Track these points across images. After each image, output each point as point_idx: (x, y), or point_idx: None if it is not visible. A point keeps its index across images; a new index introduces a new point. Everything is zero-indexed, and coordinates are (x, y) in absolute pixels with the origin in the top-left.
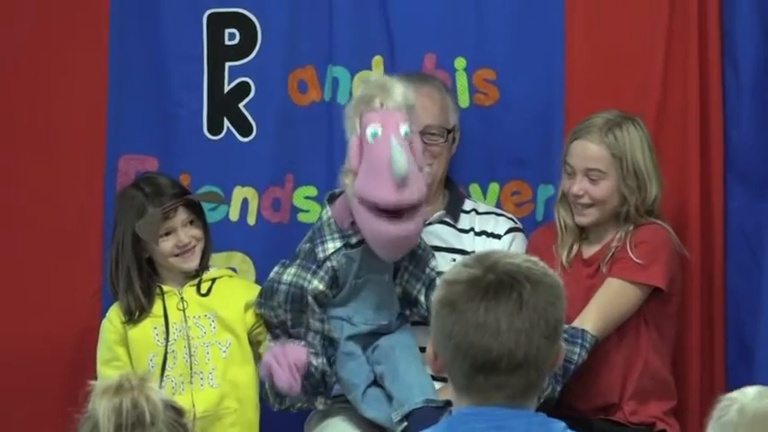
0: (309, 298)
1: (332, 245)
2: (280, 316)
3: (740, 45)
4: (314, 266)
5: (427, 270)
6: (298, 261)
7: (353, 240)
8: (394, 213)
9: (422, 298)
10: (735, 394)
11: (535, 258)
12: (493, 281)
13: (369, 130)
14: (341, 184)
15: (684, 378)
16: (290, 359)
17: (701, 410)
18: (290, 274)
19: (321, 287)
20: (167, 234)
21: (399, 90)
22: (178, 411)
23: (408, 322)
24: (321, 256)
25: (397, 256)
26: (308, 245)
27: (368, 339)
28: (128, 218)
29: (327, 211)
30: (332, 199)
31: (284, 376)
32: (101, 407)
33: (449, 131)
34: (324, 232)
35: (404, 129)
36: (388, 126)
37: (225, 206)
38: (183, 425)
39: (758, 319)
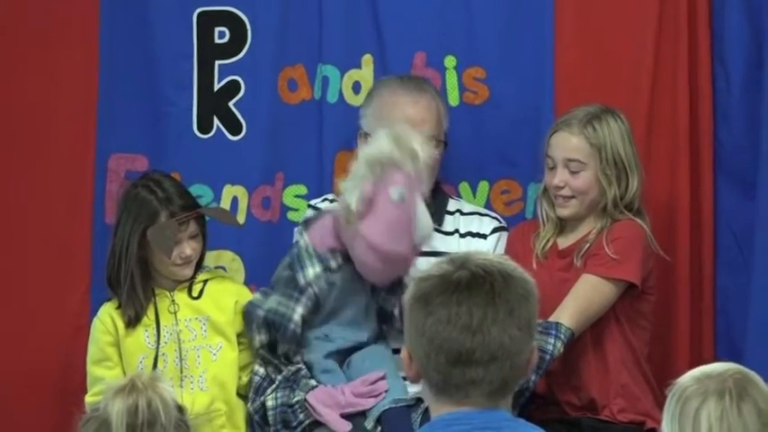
0: (293, 326)
1: (312, 271)
2: (255, 341)
3: (730, 46)
4: (296, 293)
5: (403, 286)
6: (279, 290)
7: (333, 265)
8: None
9: (396, 312)
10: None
11: (506, 257)
12: (465, 275)
13: (395, 190)
14: (341, 217)
15: (673, 377)
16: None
17: None
18: (272, 302)
19: (305, 315)
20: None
21: (424, 155)
22: (181, 410)
23: (384, 339)
24: (302, 282)
25: (387, 281)
26: (286, 272)
27: (344, 356)
28: (138, 220)
29: (305, 238)
30: (306, 224)
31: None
32: (114, 407)
33: (445, 144)
34: (303, 258)
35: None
36: (413, 189)
37: (216, 204)
38: (186, 423)
39: (747, 318)
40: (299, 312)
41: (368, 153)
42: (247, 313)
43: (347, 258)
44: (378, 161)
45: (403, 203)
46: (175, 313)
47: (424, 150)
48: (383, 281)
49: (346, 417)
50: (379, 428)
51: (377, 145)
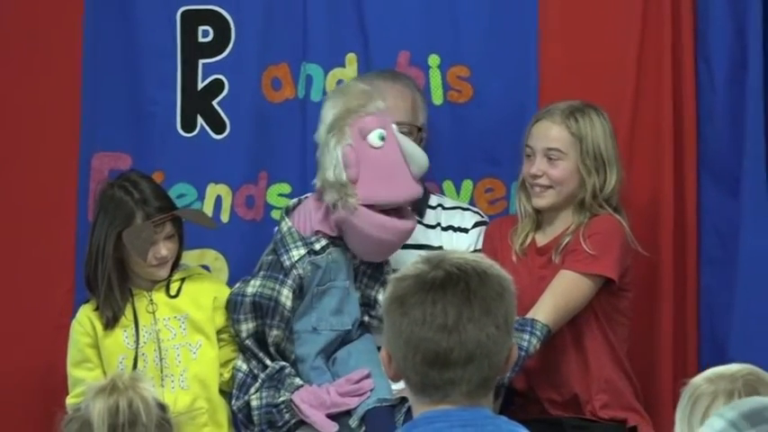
0: (282, 307)
1: (296, 252)
2: (242, 332)
3: (714, 44)
4: (281, 276)
5: (384, 272)
6: (261, 273)
7: (317, 247)
8: (398, 211)
9: (380, 297)
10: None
11: (482, 255)
12: (440, 274)
13: (374, 135)
14: (326, 197)
15: (658, 374)
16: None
17: (675, 405)
18: (254, 286)
19: (291, 296)
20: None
21: (378, 93)
22: (164, 408)
23: (369, 331)
24: (287, 264)
25: (388, 255)
26: (270, 257)
27: (331, 351)
28: (114, 222)
29: (287, 222)
30: (288, 211)
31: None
32: (95, 407)
33: (419, 129)
34: (287, 241)
35: (396, 128)
36: (388, 125)
37: (200, 203)
38: (169, 421)
39: (731, 315)
40: (285, 294)
41: (325, 123)
42: (231, 303)
43: (331, 242)
44: (339, 119)
45: (386, 143)
46: (154, 313)
47: (368, 86)
48: (385, 252)
49: (332, 416)
50: (364, 428)
51: (327, 111)
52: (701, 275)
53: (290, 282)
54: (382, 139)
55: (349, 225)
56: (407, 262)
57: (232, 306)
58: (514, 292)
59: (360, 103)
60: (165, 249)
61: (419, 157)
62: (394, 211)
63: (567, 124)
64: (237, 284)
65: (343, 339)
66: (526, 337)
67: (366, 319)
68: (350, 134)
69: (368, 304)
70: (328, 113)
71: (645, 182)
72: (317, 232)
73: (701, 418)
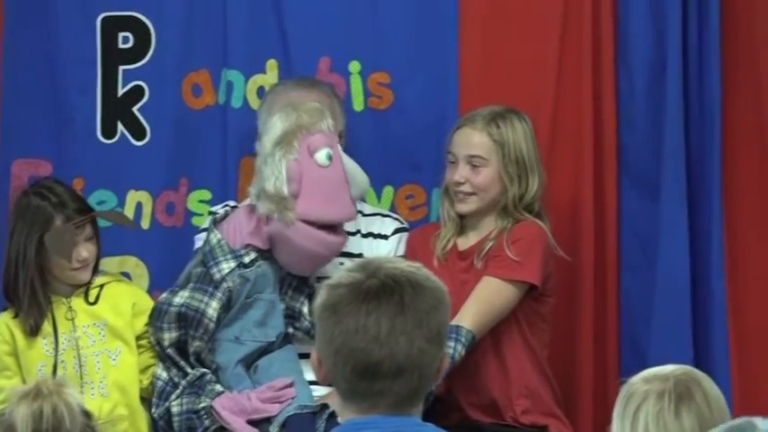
0: (207, 320)
1: (226, 265)
2: (163, 340)
3: (634, 47)
4: (210, 288)
5: (309, 284)
6: (190, 285)
7: (246, 260)
8: (331, 227)
9: (305, 309)
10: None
11: (418, 264)
12: (374, 284)
13: (322, 153)
14: (261, 208)
15: (578, 378)
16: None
17: (595, 409)
18: (182, 297)
19: (218, 309)
20: None
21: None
22: (88, 415)
23: (291, 342)
24: (218, 276)
25: (317, 269)
26: (199, 269)
27: (252, 360)
28: (33, 228)
29: (216, 234)
30: (215, 222)
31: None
32: (18, 412)
33: (338, 137)
34: (216, 254)
35: (340, 147)
36: (334, 145)
37: (120, 209)
38: (93, 428)
39: (651, 319)
40: (213, 307)
41: (272, 135)
42: (156, 311)
43: (260, 254)
44: (289, 134)
45: (332, 164)
46: (73, 320)
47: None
48: (316, 266)
49: (252, 423)
50: None
51: (276, 122)
52: (620, 280)
53: (219, 295)
54: (329, 158)
55: (282, 238)
56: (328, 270)
57: (156, 314)
58: (449, 304)
59: (312, 120)
60: (85, 251)
61: (360, 179)
62: (326, 227)
63: (489, 131)
64: (165, 294)
65: (265, 350)
66: (451, 344)
67: (291, 330)
68: (298, 149)
69: (292, 316)
70: (277, 125)
71: (564, 186)
72: (247, 245)
73: (632, 416)
